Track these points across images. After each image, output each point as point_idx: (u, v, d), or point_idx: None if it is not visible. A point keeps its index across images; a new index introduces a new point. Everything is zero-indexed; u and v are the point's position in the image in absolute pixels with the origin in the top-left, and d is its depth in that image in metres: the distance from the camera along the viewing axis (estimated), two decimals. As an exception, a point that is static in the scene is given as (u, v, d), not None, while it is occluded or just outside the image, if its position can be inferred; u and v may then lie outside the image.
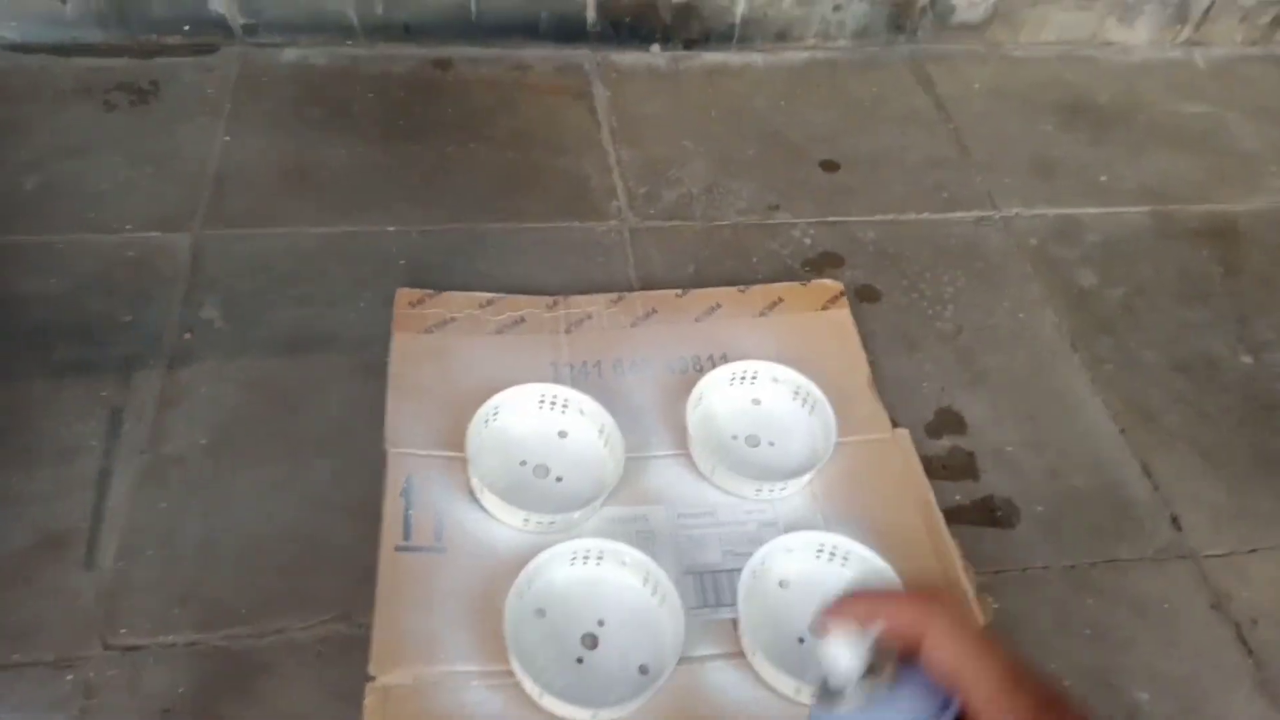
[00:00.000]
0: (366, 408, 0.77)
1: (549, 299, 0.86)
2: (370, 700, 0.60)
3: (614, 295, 0.87)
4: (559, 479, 0.73)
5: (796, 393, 0.79)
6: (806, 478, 0.73)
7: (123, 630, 0.64)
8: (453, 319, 0.83)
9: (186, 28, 1.11)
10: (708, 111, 1.11)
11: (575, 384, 0.77)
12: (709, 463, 0.74)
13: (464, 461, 0.71)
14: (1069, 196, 1.05)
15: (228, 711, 0.61)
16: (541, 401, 0.76)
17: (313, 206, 0.95)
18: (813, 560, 0.69)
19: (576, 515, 0.69)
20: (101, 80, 1.05)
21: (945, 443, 0.81)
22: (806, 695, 0.62)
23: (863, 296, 0.92)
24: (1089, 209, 1.04)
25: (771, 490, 0.73)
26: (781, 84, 1.16)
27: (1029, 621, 0.70)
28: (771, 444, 0.77)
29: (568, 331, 0.83)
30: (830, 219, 0.99)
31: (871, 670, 0.35)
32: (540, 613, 0.65)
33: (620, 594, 0.67)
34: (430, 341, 0.81)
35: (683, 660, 0.63)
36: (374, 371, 0.79)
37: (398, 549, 0.67)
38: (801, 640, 0.66)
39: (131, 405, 0.77)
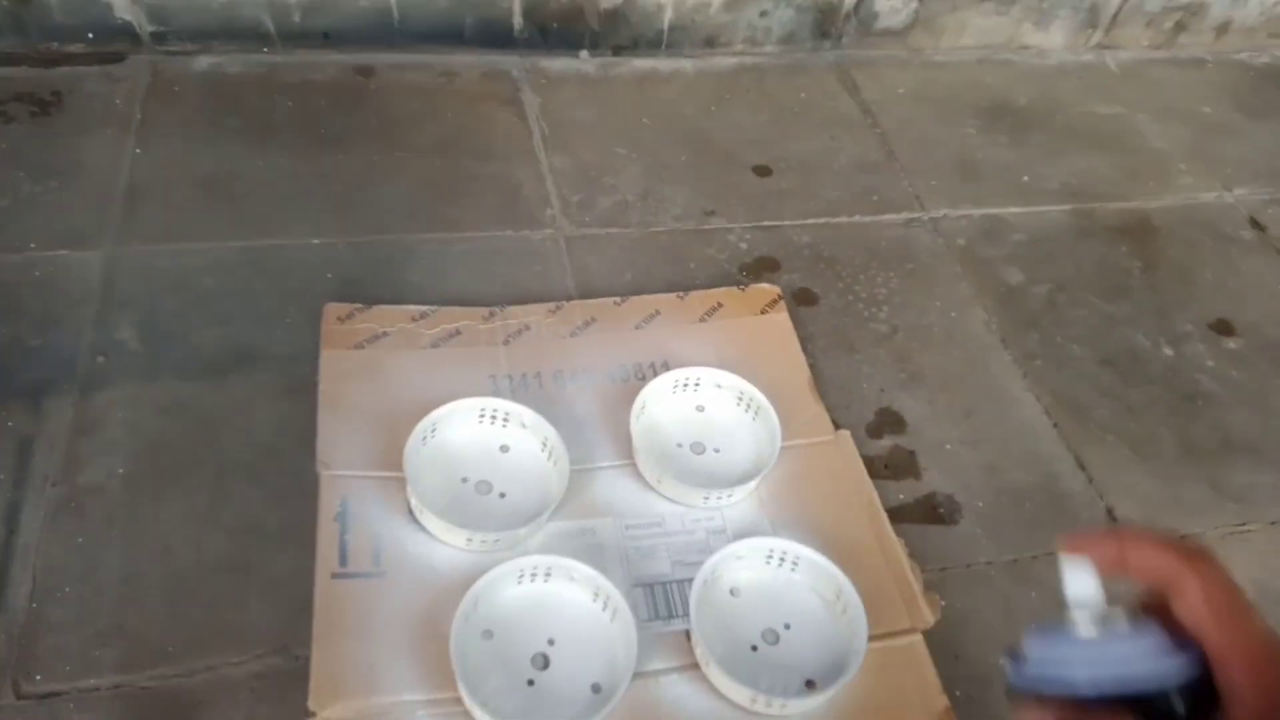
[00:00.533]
0: (296, 429, 0.74)
1: (485, 310, 0.84)
2: (311, 737, 0.57)
3: (552, 305, 0.85)
4: (502, 495, 0.71)
5: (740, 398, 0.78)
6: (753, 484, 0.73)
7: (38, 676, 0.60)
8: (385, 333, 0.80)
9: (90, 35, 1.06)
10: (639, 118, 1.10)
11: (516, 396, 0.75)
12: (655, 472, 0.73)
13: (402, 481, 0.69)
14: (993, 197, 1.07)
15: (156, 758, 0.58)
16: (481, 416, 0.74)
17: (233, 220, 0.91)
18: (763, 566, 0.69)
19: (522, 532, 0.68)
20: (1, 91, 0.99)
21: (886, 442, 0.82)
22: (762, 704, 0.61)
23: (800, 300, 0.92)
24: (1013, 208, 1.06)
25: (720, 498, 0.72)
26: (711, 90, 1.16)
27: (976, 616, 0.71)
28: (717, 451, 0.77)
29: (506, 343, 0.81)
30: (765, 223, 1.00)
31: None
32: (488, 634, 0.63)
33: (570, 611, 0.65)
34: (361, 357, 0.78)
35: (636, 675, 0.61)
36: (303, 391, 0.76)
37: (334, 576, 0.64)
38: (754, 648, 0.65)
39: (42, 434, 0.72)
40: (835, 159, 1.09)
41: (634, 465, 0.75)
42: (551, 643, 0.63)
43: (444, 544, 0.67)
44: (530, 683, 0.61)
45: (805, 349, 0.86)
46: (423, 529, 0.68)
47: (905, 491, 0.78)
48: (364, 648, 0.61)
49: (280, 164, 0.97)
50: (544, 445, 0.73)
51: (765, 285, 0.90)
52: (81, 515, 0.68)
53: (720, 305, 0.88)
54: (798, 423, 0.78)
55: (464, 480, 0.71)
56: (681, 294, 0.88)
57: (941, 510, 0.78)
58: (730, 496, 0.73)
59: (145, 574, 0.65)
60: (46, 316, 0.80)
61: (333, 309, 0.81)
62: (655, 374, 0.79)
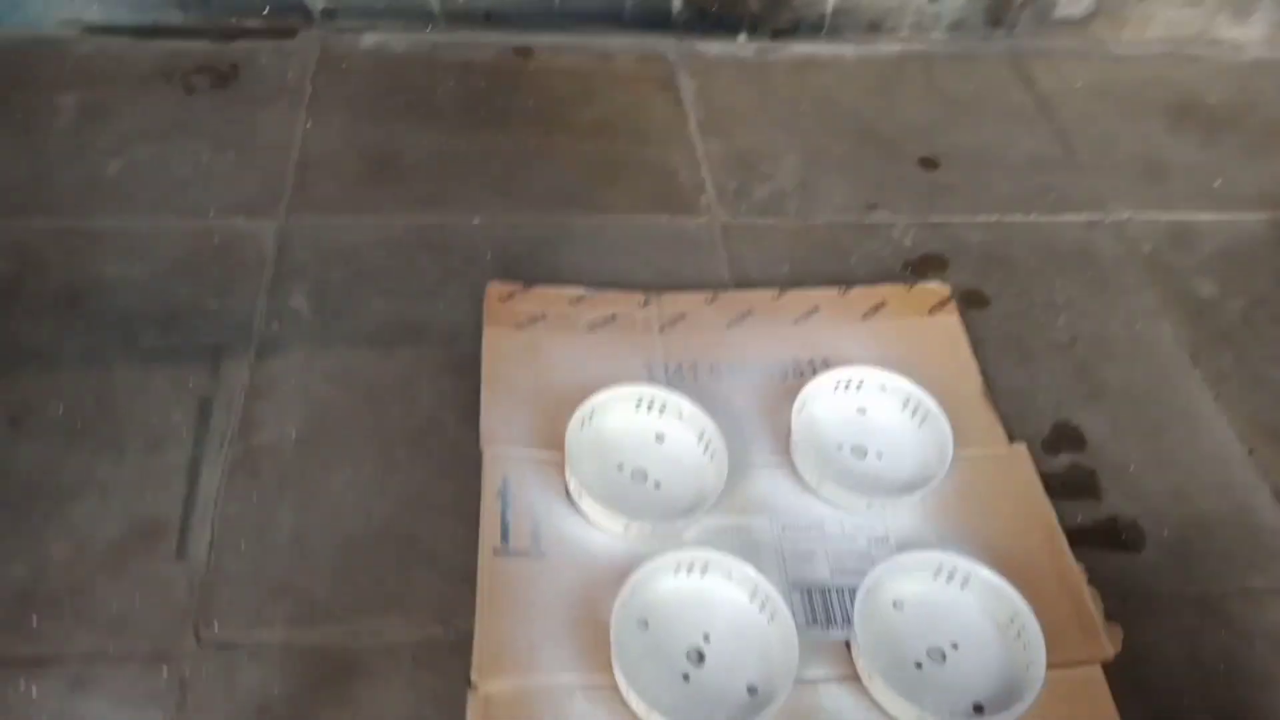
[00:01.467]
0: (458, 403, 0.74)
1: (641, 296, 0.83)
2: (472, 708, 0.58)
3: (708, 294, 0.84)
4: (657, 484, 0.70)
5: (906, 402, 0.75)
6: (921, 493, 0.70)
7: (216, 625, 0.63)
8: (543, 315, 0.80)
9: (265, 10, 1.10)
10: (797, 104, 1.07)
11: (671, 386, 0.74)
12: (815, 474, 0.70)
13: (559, 464, 0.68)
14: (1182, 201, 0.99)
15: (325, 715, 0.59)
16: (639, 404, 0.73)
17: (398, 196, 0.93)
18: (929, 581, 0.66)
19: (679, 524, 0.66)
20: (182, 63, 1.04)
21: (1064, 459, 0.77)
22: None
23: (970, 302, 0.87)
24: (1204, 215, 0.98)
25: (884, 506, 0.69)
26: (873, 78, 1.11)
27: (1158, 653, 0.66)
28: (879, 455, 0.73)
29: (662, 331, 0.80)
30: (932, 219, 0.95)
31: None
32: (643, 624, 0.62)
33: (727, 608, 0.63)
34: (522, 338, 0.78)
35: (794, 682, 0.59)
36: (464, 366, 0.77)
37: (496, 552, 0.64)
38: (919, 665, 0.62)
39: (220, 395, 0.75)
40: (1008, 153, 1.03)
41: (790, 464, 0.72)
42: (707, 639, 0.62)
43: (600, 529, 0.67)
44: (685, 677, 0.60)
45: (975, 355, 0.81)
46: (579, 512, 0.67)
47: (1084, 512, 0.73)
48: (524, 626, 0.61)
49: (442, 142, 0.99)
50: (701, 437, 0.71)
51: (934, 284, 0.86)
52: (256, 474, 0.71)
53: (884, 303, 0.84)
54: (968, 431, 0.74)
55: (620, 467, 0.71)
56: (843, 289, 0.85)
57: (1124, 536, 0.72)
58: (896, 506, 0.69)
59: (315, 535, 0.67)
60: (224, 281, 0.84)
61: (495, 289, 0.81)
62: (814, 372, 0.76)
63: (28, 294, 0.80)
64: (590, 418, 0.71)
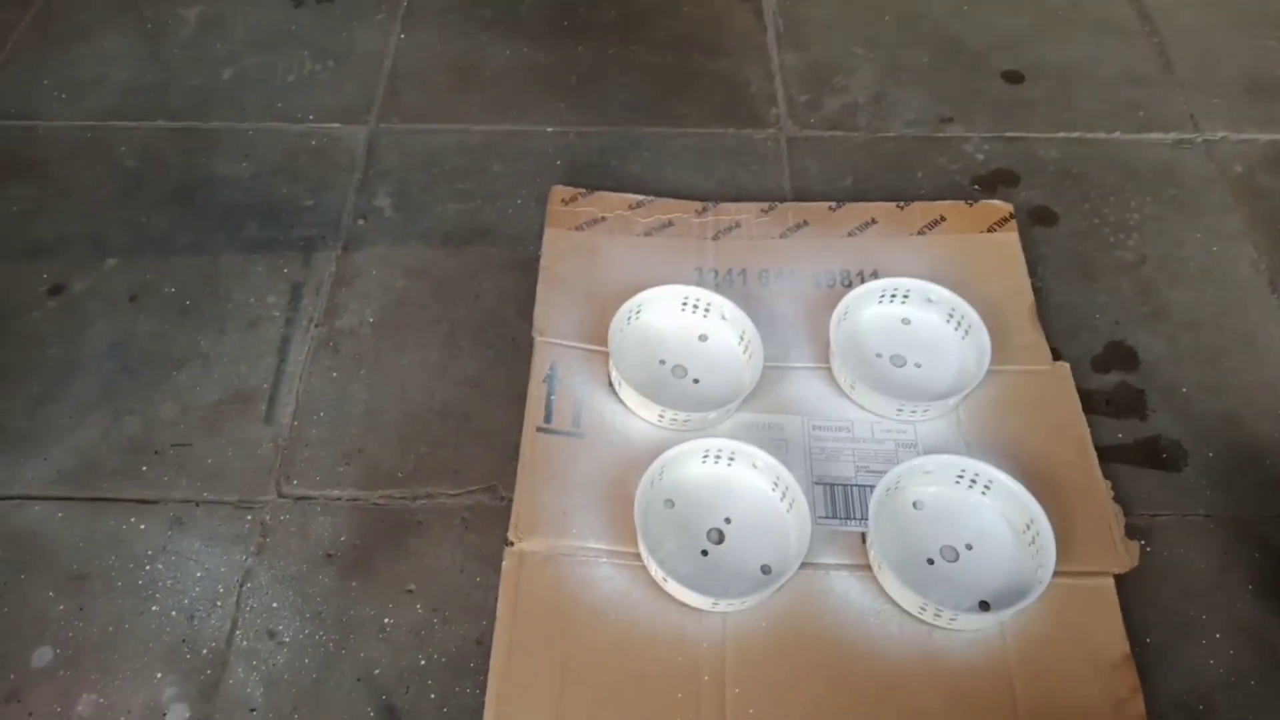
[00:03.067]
0: (518, 298, 0.80)
1: (698, 205, 0.85)
2: (508, 562, 0.64)
3: (765, 205, 0.85)
4: (696, 380, 0.74)
5: (951, 315, 0.75)
6: (952, 401, 0.71)
7: (295, 481, 0.71)
8: (603, 218, 0.84)
9: (370, -73, 1.14)
10: (881, 15, 1.05)
11: (719, 290, 0.77)
12: (849, 378, 0.72)
13: (605, 355, 0.73)
14: (1289, 120, 0.93)
15: (381, 562, 0.67)
16: (684, 304, 0.76)
17: (478, 105, 0.97)
18: (951, 485, 0.67)
19: (712, 415, 0.70)
20: (291, -22, 1.11)
21: (1113, 378, 0.76)
22: (930, 614, 0.61)
23: (1037, 219, 0.86)
24: (1313, 135, 0.92)
25: (914, 411, 0.71)
26: (965, -12, 1.08)
27: (1184, 569, 0.66)
28: (918, 365, 0.75)
29: (715, 238, 0.83)
30: (1008, 134, 0.93)
31: None
32: (670, 503, 0.67)
33: (749, 495, 0.67)
34: (580, 238, 0.82)
35: (806, 565, 0.63)
36: (526, 265, 0.82)
37: (539, 430, 0.70)
38: (931, 562, 0.65)
39: (310, 281, 0.83)
40: (1100, 68, 0.98)
41: (829, 370, 0.74)
42: (728, 521, 0.66)
43: (638, 417, 0.71)
44: (704, 553, 0.65)
45: (1035, 271, 0.81)
46: (620, 401, 0.72)
47: (1125, 431, 0.73)
48: (559, 495, 0.67)
49: (523, 53, 1.02)
50: (741, 338, 0.74)
51: (996, 202, 0.85)
52: (337, 353, 0.78)
53: (943, 219, 0.84)
54: (1012, 348, 0.74)
55: (662, 362, 0.75)
56: (902, 204, 0.85)
57: (1165, 455, 0.71)
58: (925, 412, 0.71)
59: (384, 409, 0.75)
60: (319, 180, 0.91)
61: (558, 192, 0.86)
62: (863, 282, 0.78)
63: (149, 188, 0.90)
64: (637, 314, 0.75)
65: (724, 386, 0.73)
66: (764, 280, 0.80)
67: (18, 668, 0.63)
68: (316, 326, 0.80)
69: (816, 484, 0.69)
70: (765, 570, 0.64)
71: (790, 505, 0.66)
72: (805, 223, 0.84)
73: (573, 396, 0.72)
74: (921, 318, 0.77)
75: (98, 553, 0.68)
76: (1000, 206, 0.84)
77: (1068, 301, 0.80)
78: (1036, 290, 0.79)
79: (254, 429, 0.74)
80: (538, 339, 0.75)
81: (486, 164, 0.92)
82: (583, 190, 0.86)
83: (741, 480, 0.68)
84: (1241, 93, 0.96)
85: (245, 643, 0.64)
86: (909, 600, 0.62)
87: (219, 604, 0.66)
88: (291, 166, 0.92)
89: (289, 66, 1.01)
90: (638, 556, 0.64)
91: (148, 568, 0.67)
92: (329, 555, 0.68)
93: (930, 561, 0.65)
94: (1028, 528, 0.64)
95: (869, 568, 0.64)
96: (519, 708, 0.59)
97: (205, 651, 0.64)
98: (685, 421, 0.70)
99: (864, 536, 0.65)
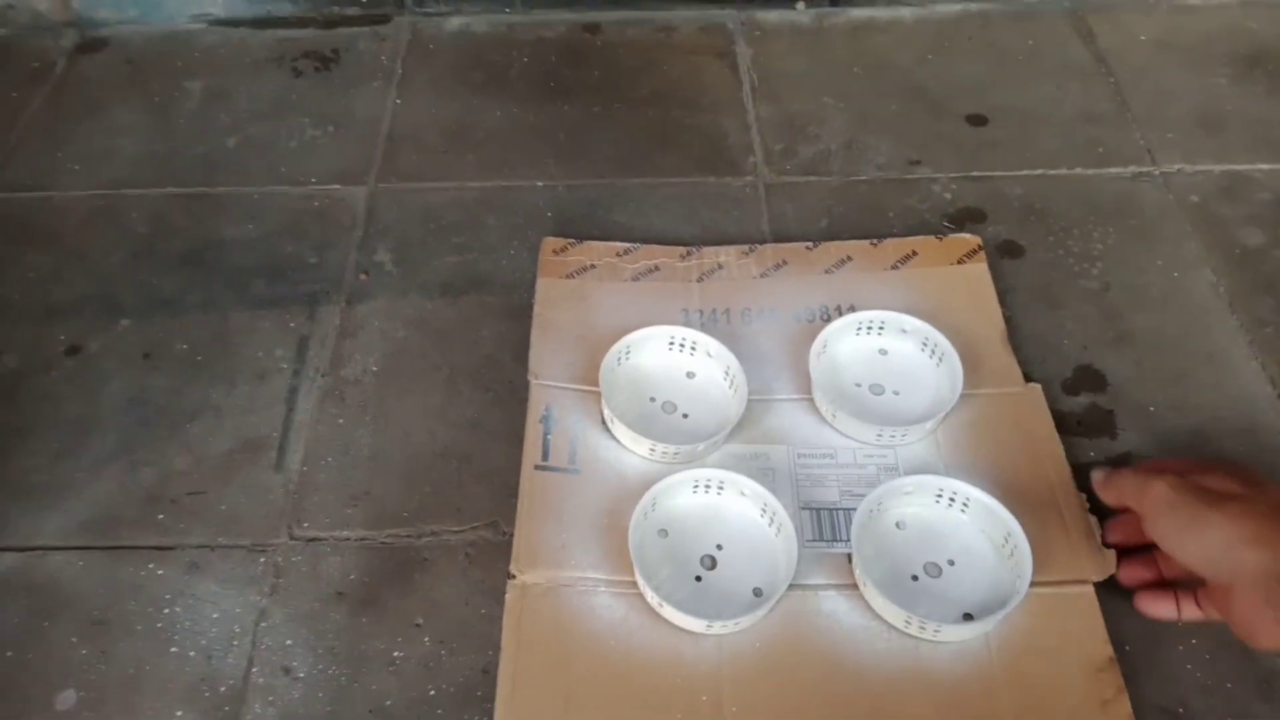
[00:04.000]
0: (513, 344, 0.84)
1: (683, 249, 0.90)
2: (511, 594, 0.67)
3: (745, 247, 0.90)
4: (685, 415, 0.78)
5: (925, 344, 0.79)
6: (929, 425, 0.74)
7: (305, 524, 0.74)
8: (592, 265, 0.88)
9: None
10: (850, 69, 1.11)
11: (705, 329, 0.81)
12: (830, 408, 0.76)
13: (597, 395, 0.77)
14: (1239, 152, 0.98)
15: (389, 597, 0.70)
16: (671, 343, 0.80)
17: (471, 164, 1.03)
18: (932, 504, 0.71)
19: (700, 447, 0.74)
20: (291, 49, 1.17)
21: (1083, 399, 0.80)
22: (915, 627, 0.64)
23: (1004, 252, 0.91)
24: (1261, 165, 0.97)
25: (893, 435, 0.74)
26: (929, 38, 1.14)
27: (1158, 580, 0.69)
28: (896, 393, 0.78)
29: (699, 280, 0.87)
30: (974, 174, 0.98)
31: None
32: (663, 533, 0.70)
33: (739, 522, 0.70)
34: (571, 286, 0.87)
35: (795, 586, 0.66)
36: (521, 312, 0.86)
37: (536, 468, 0.73)
38: (915, 578, 0.68)
39: (316, 335, 0.87)
40: (1059, 109, 1.04)
41: (811, 401, 0.78)
42: (719, 547, 0.69)
43: (630, 451, 0.75)
44: (698, 579, 0.68)
45: (1004, 302, 0.85)
46: (613, 437, 0.76)
47: (1098, 450, 0.76)
48: (558, 529, 0.70)
49: (513, 114, 1.08)
50: (726, 373, 0.78)
51: (965, 235, 0.90)
52: (342, 401, 0.82)
53: (915, 254, 0.88)
54: (985, 372, 0.78)
55: (652, 400, 0.78)
56: (875, 241, 0.89)
57: (1133, 470, 0.75)
58: (904, 436, 0.75)
59: (388, 453, 0.78)
60: (322, 239, 0.95)
61: (549, 243, 0.90)
62: (841, 316, 0.82)
63: (159, 251, 0.94)
64: (627, 355, 0.79)
65: (712, 419, 0.77)
66: (746, 318, 0.84)
67: (42, 711, 0.65)
68: (323, 376, 0.84)
69: (803, 509, 0.72)
70: (757, 593, 0.67)
71: (778, 530, 0.69)
72: (784, 262, 0.88)
73: (568, 435, 0.75)
74: (898, 348, 0.81)
75: (117, 599, 0.71)
76: (969, 239, 0.89)
77: (1037, 329, 0.84)
78: (1007, 319, 0.83)
79: (265, 476, 0.77)
80: (533, 382, 0.79)
81: (481, 218, 0.97)
82: (572, 240, 0.90)
83: (731, 508, 0.71)
84: (1195, 126, 1.01)
85: (262, 679, 0.66)
86: (894, 616, 0.65)
87: (235, 643, 0.68)
88: (296, 227, 0.97)
89: (291, 133, 1.06)
90: (634, 585, 0.67)
91: (166, 611, 0.70)
92: (340, 593, 0.71)
93: (915, 578, 0.68)
94: (1006, 541, 0.68)
95: (855, 586, 0.67)
96: (525, 733, 0.62)
97: (223, 689, 0.66)
98: (675, 454, 0.73)
99: (849, 557, 0.68)
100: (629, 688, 0.63)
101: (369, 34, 1.19)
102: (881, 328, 0.81)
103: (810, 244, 0.90)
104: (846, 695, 0.63)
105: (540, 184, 1.00)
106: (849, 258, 0.88)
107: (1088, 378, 0.81)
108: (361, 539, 0.73)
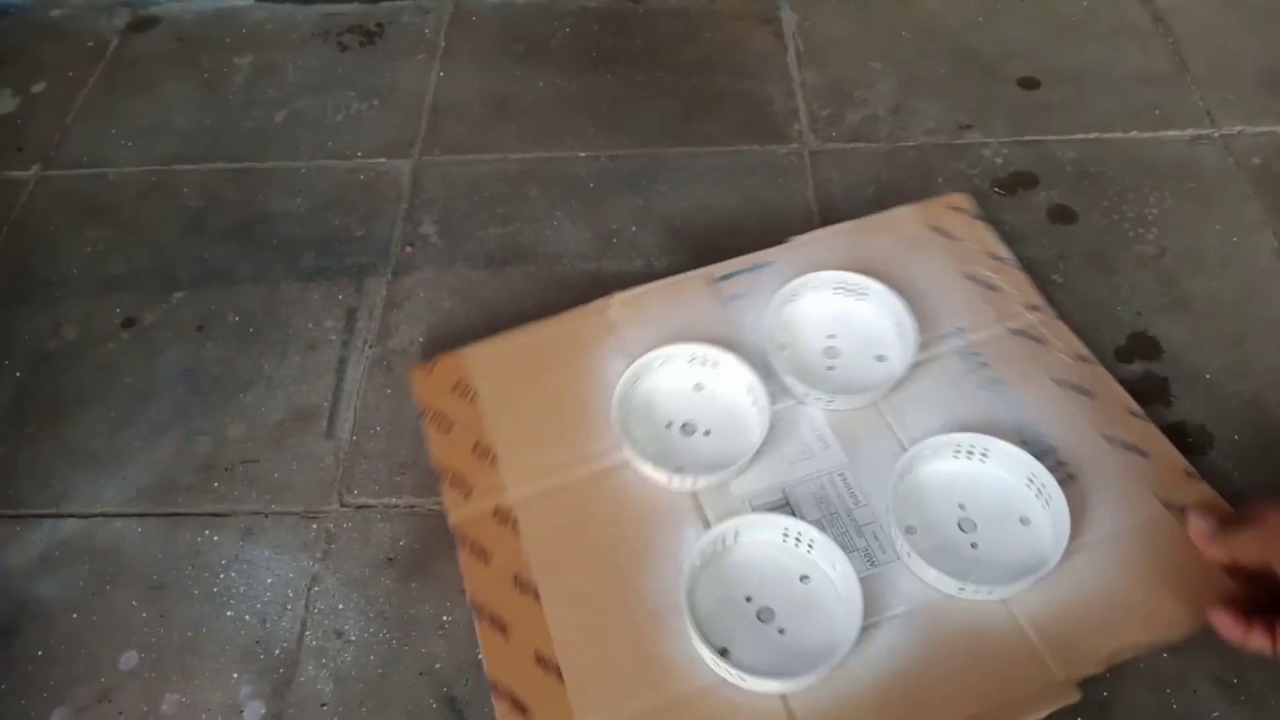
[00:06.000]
0: (559, 313, 0.84)
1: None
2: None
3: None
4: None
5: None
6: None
7: (355, 491, 0.76)
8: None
9: (408, -27, 1.21)
10: (898, 32, 1.09)
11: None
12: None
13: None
14: (1306, 112, 0.95)
15: (438, 564, 0.71)
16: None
17: (514, 135, 1.03)
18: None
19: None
20: (336, 24, 1.17)
21: (1136, 367, 0.78)
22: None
23: (1057, 217, 0.88)
24: (1330, 124, 0.93)
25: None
26: (980, 0, 1.11)
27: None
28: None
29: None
30: (1026, 138, 0.96)
31: None
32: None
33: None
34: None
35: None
36: (563, 282, 0.86)
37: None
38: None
39: (364, 306, 0.88)
40: (1115, 70, 1.01)
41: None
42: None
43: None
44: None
45: (1057, 268, 0.83)
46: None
47: (1151, 418, 0.74)
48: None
49: (556, 84, 1.07)
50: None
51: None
52: (390, 371, 0.83)
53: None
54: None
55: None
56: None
57: (1190, 440, 0.73)
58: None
59: (435, 422, 0.79)
60: (369, 212, 0.96)
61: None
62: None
63: (211, 225, 0.96)
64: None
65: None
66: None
67: (107, 671, 0.68)
68: (371, 347, 0.85)
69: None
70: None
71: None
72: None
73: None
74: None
75: (175, 564, 0.73)
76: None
77: (1090, 295, 0.82)
78: (1060, 285, 0.81)
79: (316, 444, 0.79)
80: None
81: (524, 190, 0.97)
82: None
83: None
84: (1257, 87, 0.98)
85: (315, 642, 0.68)
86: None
87: (289, 607, 0.70)
88: (343, 200, 0.98)
89: (337, 107, 1.07)
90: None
91: (222, 576, 0.72)
92: (389, 559, 0.72)
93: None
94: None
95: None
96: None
97: (278, 652, 0.68)
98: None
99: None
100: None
101: (412, 7, 1.19)
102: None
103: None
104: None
105: (583, 154, 1.00)
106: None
107: (1142, 344, 0.79)
108: (410, 506, 0.75)
